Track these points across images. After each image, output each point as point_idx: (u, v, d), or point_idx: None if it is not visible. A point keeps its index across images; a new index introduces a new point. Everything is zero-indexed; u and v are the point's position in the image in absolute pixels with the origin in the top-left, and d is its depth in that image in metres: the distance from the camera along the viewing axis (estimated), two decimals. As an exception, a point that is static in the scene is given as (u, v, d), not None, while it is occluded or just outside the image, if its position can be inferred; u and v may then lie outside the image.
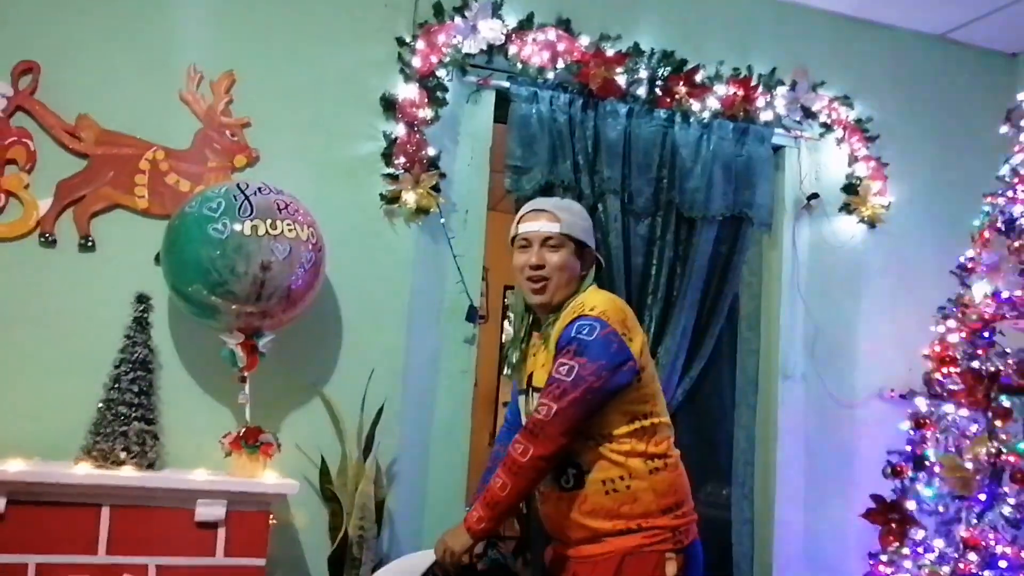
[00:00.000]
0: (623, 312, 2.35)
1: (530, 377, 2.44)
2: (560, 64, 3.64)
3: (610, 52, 3.70)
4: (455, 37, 3.52)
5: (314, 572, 3.25)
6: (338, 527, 3.13)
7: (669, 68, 3.80)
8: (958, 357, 3.42)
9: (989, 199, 3.54)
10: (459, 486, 3.51)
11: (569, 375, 2.21)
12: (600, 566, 2.26)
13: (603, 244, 3.61)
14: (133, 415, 2.90)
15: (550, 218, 2.42)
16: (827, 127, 4.10)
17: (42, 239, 3.07)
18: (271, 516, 2.94)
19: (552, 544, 2.48)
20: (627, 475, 2.27)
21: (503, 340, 6.77)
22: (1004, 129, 3.57)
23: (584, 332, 2.25)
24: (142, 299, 3.06)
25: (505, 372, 2.59)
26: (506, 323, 6.73)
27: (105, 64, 3.19)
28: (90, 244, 3.12)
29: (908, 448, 3.46)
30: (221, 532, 2.82)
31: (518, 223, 2.47)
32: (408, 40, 3.49)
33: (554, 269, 2.39)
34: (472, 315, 3.52)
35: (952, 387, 3.38)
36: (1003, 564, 3.05)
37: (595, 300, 2.34)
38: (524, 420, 2.42)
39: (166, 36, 3.27)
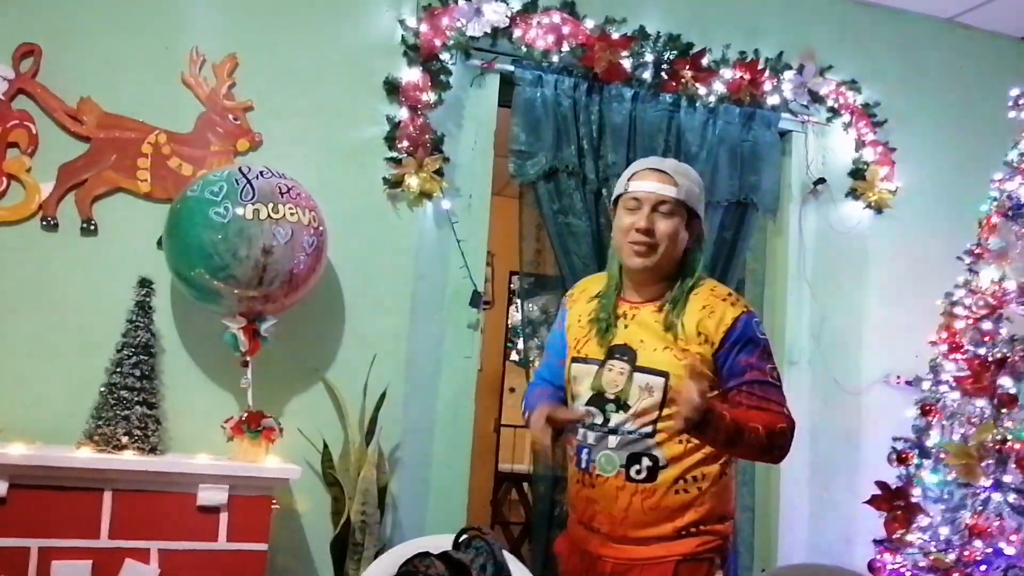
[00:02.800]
0: None
1: (619, 348, 2.21)
2: (565, 47, 3.61)
3: (615, 35, 3.67)
4: (459, 20, 3.49)
5: (316, 557, 3.25)
6: (340, 512, 3.13)
7: (675, 52, 3.77)
8: (964, 343, 3.40)
9: (997, 184, 3.51)
10: (462, 472, 3.50)
11: (780, 379, 2.20)
12: (648, 570, 2.14)
13: (607, 230, 3.59)
14: (135, 399, 2.89)
15: (667, 180, 2.20)
16: (834, 112, 4.06)
17: (44, 223, 3.06)
18: (273, 501, 2.94)
19: (580, 533, 2.28)
20: (701, 477, 2.16)
21: (508, 325, 6.76)
22: (1013, 114, 3.52)
23: (763, 333, 2.20)
24: (144, 283, 3.05)
25: (596, 333, 2.27)
26: (512, 309, 6.71)
27: (107, 47, 3.17)
28: (92, 228, 3.11)
29: (914, 435, 3.45)
30: (223, 517, 2.83)
31: (628, 180, 2.24)
32: (412, 23, 3.46)
33: (664, 237, 2.18)
34: (476, 300, 3.51)
35: (958, 374, 3.36)
36: (1009, 551, 3.04)
37: (730, 290, 2.27)
38: (584, 394, 2.23)
39: (168, 19, 3.25)
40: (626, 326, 2.23)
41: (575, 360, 2.29)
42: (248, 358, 3.02)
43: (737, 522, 3.70)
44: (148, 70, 3.21)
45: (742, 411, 2.10)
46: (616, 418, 2.18)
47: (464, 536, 2.41)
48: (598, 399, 2.21)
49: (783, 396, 2.19)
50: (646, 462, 2.15)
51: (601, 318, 2.27)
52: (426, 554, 2.36)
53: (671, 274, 2.24)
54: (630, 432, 2.16)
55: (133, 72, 3.19)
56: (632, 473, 2.16)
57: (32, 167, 3.06)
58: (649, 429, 2.15)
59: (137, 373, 2.92)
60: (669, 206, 2.20)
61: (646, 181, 2.22)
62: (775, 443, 2.12)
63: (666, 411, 2.13)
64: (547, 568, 3.52)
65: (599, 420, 2.21)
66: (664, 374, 2.14)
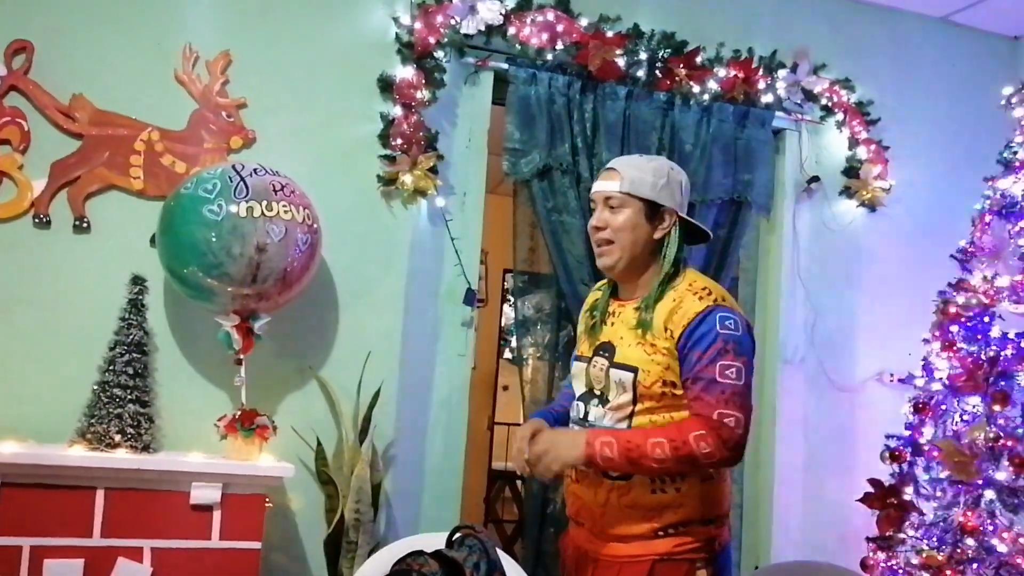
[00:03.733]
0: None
1: (603, 345, 2.24)
2: (559, 45, 3.61)
3: (609, 33, 3.67)
4: (453, 18, 3.49)
5: (310, 555, 3.25)
6: (334, 510, 3.13)
7: (669, 50, 3.77)
8: (957, 341, 3.40)
9: (990, 183, 3.52)
10: (456, 469, 3.50)
11: (740, 378, 2.07)
12: (627, 568, 2.13)
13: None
14: (128, 397, 2.88)
15: (612, 176, 2.23)
16: (828, 110, 4.07)
17: (36, 220, 3.05)
18: (267, 499, 2.93)
19: (572, 529, 2.32)
20: (680, 478, 2.14)
21: (502, 324, 6.76)
22: (1018, 113, 3.50)
23: (731, 326, 2.09)
24: (137, 281, 3.04)
25: (582, 329, 2.36)
26: (506, 306, 6.71)
27: (100, 44, 3.16)
28: (85, 225, 3.10)
29: (907, 433, 3.46)
30: (217, 515, 2.82)
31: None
32: (406, 20, 3.45)
33: (615, 231, 2.20)
34: (470, 298, 3.51)
35: (951, 371, 3.36)
36: (1001, 549, 3.05)
37: (714, 287, 2.19)
38: (580, 390, 2.27)
39: (161, 15, 3.24)
40: (612, 324, 2.26)
41: (574, 358, 2.36)
42: (241, 356, 3.01)
43: (737, 506, 3.76)
44: (141, 67, 3.19)
45: (645, 430, 2.10)
46: (594, 412, 2.22)
47: (457, 534, 2.41)
48: (588, 395, 2.26)
49: (727, 395, 2.06)
50: None
51: (594, 316, 2.31)
52: (419, 552, 2.36)
53: (650, 269, 2.24)
54: (606, 428, 2.18)
55: (126, 69, 3.18)
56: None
57: (24, 164, 3.05)
58: (624, 425, 2.17)
59: (130, 371, 2.91)
60: (616, 199, 2.21)
61: (597, 182, 2.28)
62: (687, 455, 2.04)
63: (637, 407, 2.15)
64: (539, 565, 3.53)
65: (581, 414, 2.25)
66: (633, 369, 2.15)
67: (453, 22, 3.49)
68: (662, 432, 2.07)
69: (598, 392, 2.23)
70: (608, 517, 2.18)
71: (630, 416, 2.16)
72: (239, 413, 2.97)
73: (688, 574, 2.14)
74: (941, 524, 3.27)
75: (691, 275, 2.24)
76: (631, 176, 2.21)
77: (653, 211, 2.21)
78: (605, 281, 2.38)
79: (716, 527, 2.21)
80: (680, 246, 2.24)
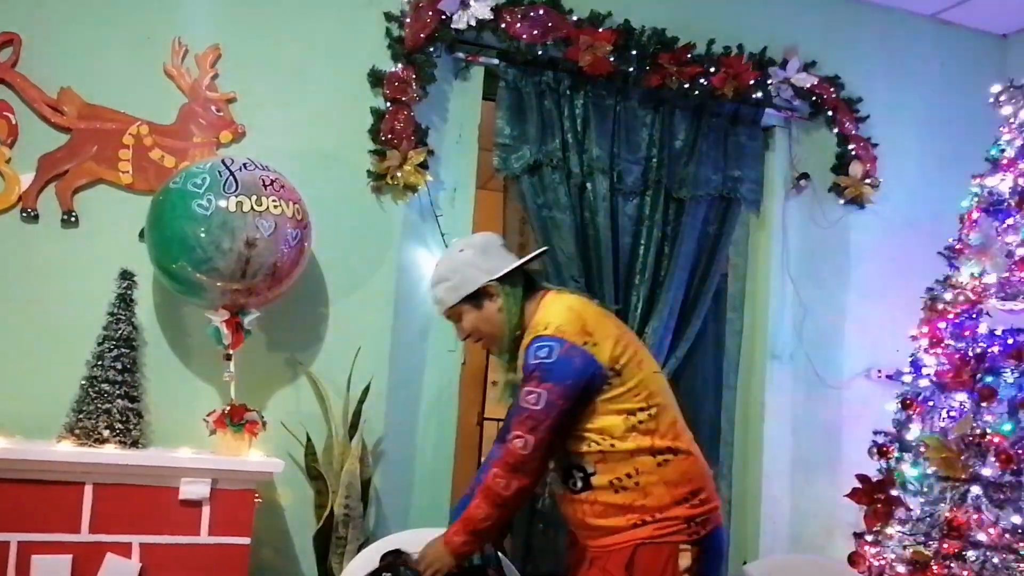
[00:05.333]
0: (581, 319, 2.27)
1: None
2: (550, 41, 3.60)
3: (600, 29, 3.67)
4: (444, 13, 3.47)
5: (299, 550, 3.24)
6: (324, 505, 3.12)
7: (659, 46, 3.76)
8: (945, 338, 3.42)
9: (978, 180, 3.53)
10: (446, 465, 3.51)
11: (538, 403, 2.19)
12: (614, 555, 2.24)
13: (591, 224, 3.61)
14: (116, 393, 2.87)
15: (436, 302, 2.48)
16: (817, 107, 4.07)
17: (24, 214, 3.03)
18: (256, 495, 2.93)
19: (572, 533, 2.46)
20: (635, 471, 2.23)
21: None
22: (1006, 110, 3.51)
23: (543, 354, 2.21)
24: (126, 275, 3.01)
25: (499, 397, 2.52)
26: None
27: (88, 37, 3.14)
28: (73, 220, 3.08)
29: (894, 428, 3.47)
30: (206, 510, 2.81)
31: None
32: (397, 15, 3.44)
33: (473, 334, 2.44)
34: (460, 294, 3.50)
35: (939, 368, 3.38)
36: (987, 543, 3.07)
37: (549, 316, 2.29)
38: None
39: (151, 9, 3.22)
40: None
41: None
42: (231, 351, 3.00)
43: (727, 501, 3.78)
44: (130, 60, 3.18)
45: (474, 503, 2.28)
46: None
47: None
48: None
49: (521, 418, 2.22)
50: (578, 474, 2.30)
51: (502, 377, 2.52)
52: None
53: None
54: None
55: (115, 62, 3.16)
56: (570, 486, 2.32)
57: (12, 158, 3.03)
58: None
59: (118, 366, 2.90)
60: (452, 316, 2.45)
61: None
62: (496, 498, 2.23)
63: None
64: (529, 561, 3.54)
65: None
66: None
67: (444, 17, 3.48)
68: (479, 492, 2.27)
69: None
70: (589, 527, 2.31)
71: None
72: (228, 408, 2.96)
73: (670, 557, 2.21)
74: (928, 519, 3.29)
75: (544, 309, 2.34)
76: (438, 296, 2.44)
77: (477, 298, 2.38)
78: None
79: (693, 506, 2.26)
80: (523, 295, 2.38)
